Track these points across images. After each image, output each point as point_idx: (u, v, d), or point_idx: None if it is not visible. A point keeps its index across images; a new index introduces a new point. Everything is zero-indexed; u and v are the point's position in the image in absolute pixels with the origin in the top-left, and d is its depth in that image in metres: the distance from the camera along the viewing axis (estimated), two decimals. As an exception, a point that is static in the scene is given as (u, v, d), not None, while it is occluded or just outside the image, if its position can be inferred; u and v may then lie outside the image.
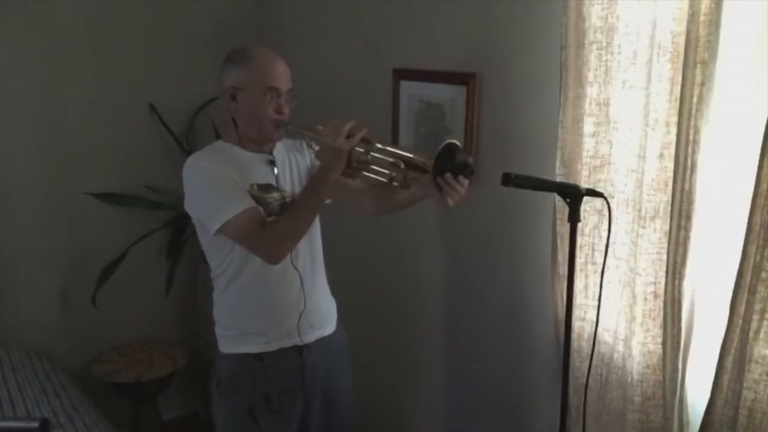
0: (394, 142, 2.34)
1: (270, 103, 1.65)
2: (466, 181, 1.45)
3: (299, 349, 1.76)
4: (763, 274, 1.26)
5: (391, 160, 1.56)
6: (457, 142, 1.46)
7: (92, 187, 2.75)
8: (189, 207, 1.68)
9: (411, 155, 1.52)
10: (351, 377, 1.93)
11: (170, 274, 2.83)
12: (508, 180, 1.44)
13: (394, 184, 1.56)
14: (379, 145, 1.57)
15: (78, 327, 2.82)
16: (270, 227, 1.62)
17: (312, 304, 1.77)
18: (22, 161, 2.62)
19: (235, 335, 1.75)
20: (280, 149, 1.79)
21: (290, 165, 1.79)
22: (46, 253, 2.72)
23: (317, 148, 1.62)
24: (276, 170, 1.73)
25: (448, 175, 1.43)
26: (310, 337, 1.78)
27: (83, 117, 2.70)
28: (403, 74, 2.27)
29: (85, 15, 2.64)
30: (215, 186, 1.63)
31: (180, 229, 2.85)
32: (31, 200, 2.66)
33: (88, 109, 2.71)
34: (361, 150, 1.58)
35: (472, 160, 1.47)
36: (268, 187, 1.70)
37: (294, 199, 1.72)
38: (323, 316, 1.84)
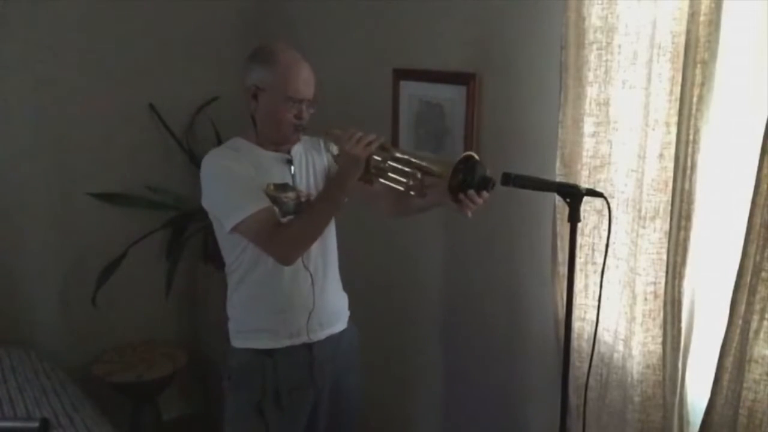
0: (395, 144, 2.34)
1: (290, 109, 1.65)
2: (486, 194, 1.46)
3: (309, 347, 1.77)
4: (763, 274, 1.26)
5: (408, 169, 1.54)
6: (475, 155, 1.45)
7: (92, 187, 2.75)
8: (206, 202, 1.70)
9: (430, 166, 1.50)
10: (359, 375, 1.94)
11: (170, 274, 2.83)
12: (508, 180, 1.44)
13: (411, 193, 1.55)
14: (398, 154, 1.57)
15: (78, 327, 2.82)
16: (284, 229, 1.63)
17: (322, 304, 1.78)
18: (22, 161, 2.61)
19: (245, 331, 1.77)
20: (298, 148, 1.79)
21: (307, 164, 1.79)
22: (46, 253, 2.72)
23: (336, 151, 1.63)
24: (293, 170, 1.73)
25: (470, 191, 1.44)
26: (319, 336, 1.79)
27: (83, 117, 2.70)
28: (403, 74, 2.27)
29: (86, 15, 2.64)
30: (232, 184, 1.64)
31: (180, 229, 2.85)
32: (31, 200, 2.66)
33: (88, 109, 2.70)
34: (379, 158, 1.58)
35: (491, 172, 1.46)
36: (284, 187, 1.70)
37: (309, 199, 1.73)
38: (333, 314, 1.85)
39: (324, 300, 1.79)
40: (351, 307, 1.93)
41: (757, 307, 1.28)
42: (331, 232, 1.83)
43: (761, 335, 1.29)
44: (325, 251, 1.80)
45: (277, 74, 1.63)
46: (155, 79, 2.83)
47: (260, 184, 1.66)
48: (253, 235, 1.63)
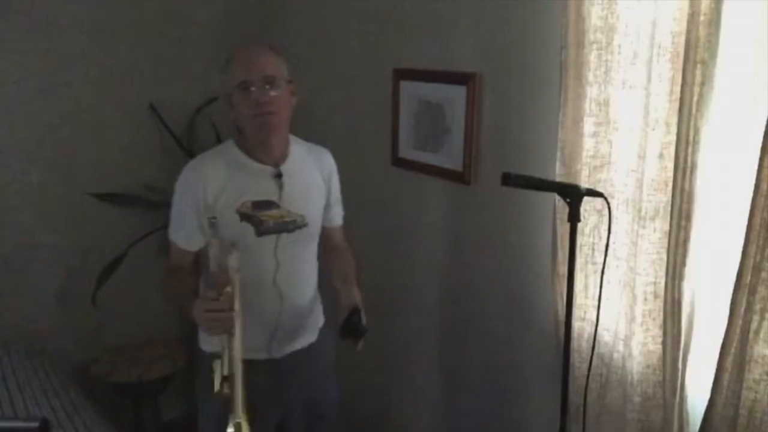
0: (394, 142, 2.34)
1: (246, 98, 1.55)
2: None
3: (275, 361, 1.71)
4: (763, 274, 1.26)
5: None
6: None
7: (92, 187, 2.75)
8: None
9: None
10: (334, 378, 1.88)
11: (170, 274, 2.82)
12: (508, 180, 1.45)
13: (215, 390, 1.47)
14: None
15: (78, 327, 2.82)
16: (168, 276, 1.70)
17: (290, 322, 1.70)
18: (22, 161, 2.61)
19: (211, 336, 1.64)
20: (297, 160, 1.69)
21: (302, 181, 1.69)
22: (47, 253, 2.72)
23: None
24: (282, 186, 1.65)
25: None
26: (283, 352, 1.71)
27: (83, 117, 2.70)
28: (403, 74, 2.27)
29: (86, 15, 2.64)
30: (180, 207, 1.67)
31: (180, 229, 2.84)
32: (31, 200, 2.66)
33: (88, 109, 2.71)
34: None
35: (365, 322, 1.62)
36: (266, 204, 1.62)
37: (297, 219, 1.66)
38: (301, 330, 1.77)
39: (293, 317, 1.71)
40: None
41: (757, 307, 1.28)
42: (310, 249, 1.76)
43: (761, 335, 1.29)
44: (301, 268, 1.73)
45: (230, 72, 1.58)
46: (155, 79, 2.83)
47: (235, 201, 1.59)
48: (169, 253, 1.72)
